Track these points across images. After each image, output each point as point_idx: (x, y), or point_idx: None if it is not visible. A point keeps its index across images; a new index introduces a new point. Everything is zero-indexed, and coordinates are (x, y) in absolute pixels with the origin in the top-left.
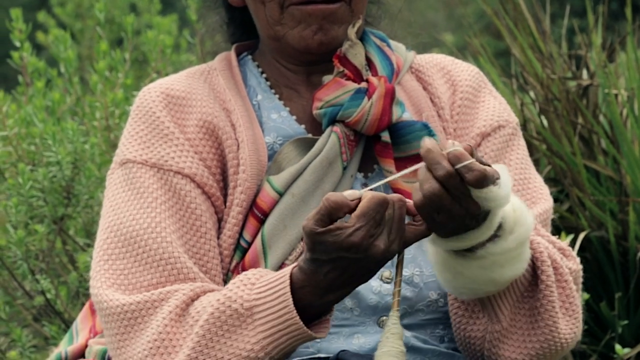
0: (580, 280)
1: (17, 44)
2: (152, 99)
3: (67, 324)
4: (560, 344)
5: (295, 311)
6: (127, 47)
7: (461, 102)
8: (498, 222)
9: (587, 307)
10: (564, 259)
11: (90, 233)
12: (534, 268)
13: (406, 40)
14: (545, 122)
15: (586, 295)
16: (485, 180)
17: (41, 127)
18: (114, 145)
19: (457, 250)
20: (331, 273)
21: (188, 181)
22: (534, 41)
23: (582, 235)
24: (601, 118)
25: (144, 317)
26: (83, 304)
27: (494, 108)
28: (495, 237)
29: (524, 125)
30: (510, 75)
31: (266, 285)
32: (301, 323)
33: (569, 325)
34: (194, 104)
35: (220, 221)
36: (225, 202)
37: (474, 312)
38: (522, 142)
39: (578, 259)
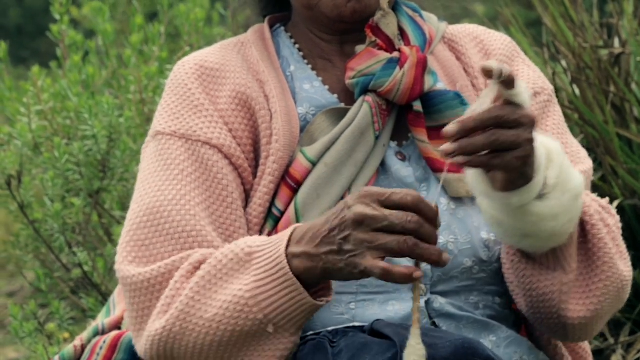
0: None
1: (57, 16)
2: (185, 71)
3: (104, 297)
4: (621, 282)
5: (285, 258)
6: (162, 20)
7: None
8: (544, 175)
9: None
10: (606, 214)
11: (125, 206)
12: (583, 221)
13: (437, 11)
14: (577, 91)
15: None
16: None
17: (76, 101)
18: (148, 119)
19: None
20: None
21: (216, 152)
22: (565, 10)
23: (615, 204)
24: (633, 86)
25: (161, 283)
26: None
27: (529, 76)
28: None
29: (556, 95)
30: (542, 44)
31: (271, 237)
32: (290, 273)
33: (625, 265)
34: (227, 76)
35: (248, 192)
36: (255, 173)
37: (543, 266)
38: (558, 109)
39: (618, 217)
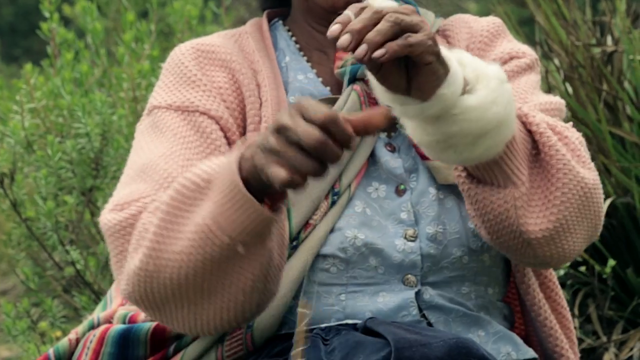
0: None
1: (47, 14)
2: (182, 52)
3: (96, 295)
4: (583, 188)
5: (238, 177)
6: (152, 18)
7: (475, 46)
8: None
9: (614, 273)
10: (561, 127)
11: None
12: (531, 131)
13: (430, 7)
14: (570, 89)
15: (612, 262)
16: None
17: (69, 99)
18: (140, 117)
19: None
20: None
21: (213, 122)
22: (557, 8)
23: (608, 202)
24: (626, 84)
25: (132, 225)
26: (112, 275)
27: (512, 44)
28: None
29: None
30: (535, 42)
31: (228, 158)
32: (244, 190)
33: (589, 173)
34: (223, 58)
35: None
36: None
37: (493, 186)
38: (536, 77)
39: (579, 133)
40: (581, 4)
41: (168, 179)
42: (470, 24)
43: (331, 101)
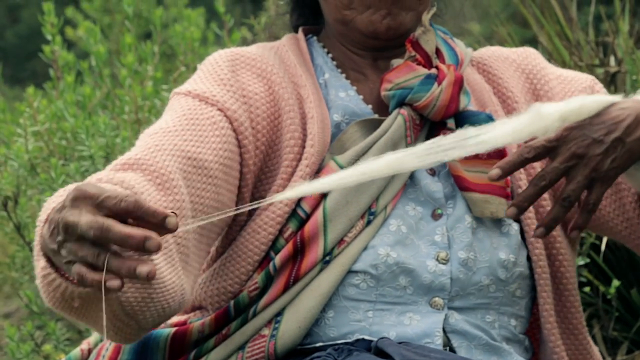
0: None
1: (49, 37)
2: (219, 55)
3: None
4: None
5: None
6: (155, 40)
7: (543, 80)
8: None
9: (618, 294)
10: None
11: None
12: None
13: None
14: None
15: (617, 282)
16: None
17: (72, 122)
18: None
19: None
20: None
21: (227, 121)
22: (560, 29)
23: None
24: None
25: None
26: None
27: (573, 74)
28: None
29: None
30: None
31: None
32: (43, 263)
33: None
34: (263, 67)
35: (245, 175)
36: (266, 165)
37: None
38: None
39: None
40: (584, 25)
41: (156, 147)
42: (511, 57)
43: (375, 122)
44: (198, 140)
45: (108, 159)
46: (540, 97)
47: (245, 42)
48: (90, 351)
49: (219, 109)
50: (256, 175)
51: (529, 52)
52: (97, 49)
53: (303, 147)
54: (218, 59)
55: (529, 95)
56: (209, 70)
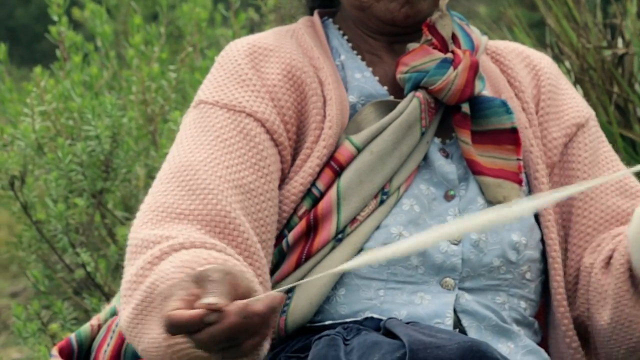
0: None
1: (55, 18)
2: (237, 48)
3: (107, 297)
4: None
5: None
6: (162, 21)
7: (548, 88)
8: None
9: None
10: None
11: (128, 206)
12: None
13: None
14: (580, 91)
15: None
16: None
17: (79, 102)
18: (150, 119)
19: None
20: None
21: (259, 125)
22: (568, 11)
23: None
24: (637, 87)
25: (138, 254)
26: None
27: (579, 99)
28: None
29: None
30: (545, 45)
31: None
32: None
33: None
34: (281, 55)
35: (284, 171)
36: (294, 153)
37: None
38: (602, 133)
39: None
40: (592, 7)
41: (205, 190)
42: (525, 53)
43: (390, 104)
44: (239, 163)
45: (114, 139)
46: (541, 99)
47: (252, 23)
48: (100, 327)
49: (247, 114)
50: (291, 162)
51: (547, 58)
52: (103, 29)
53: (322, 129)
54: (237, 56)
55: (535, 90)
56: (229, 69)
